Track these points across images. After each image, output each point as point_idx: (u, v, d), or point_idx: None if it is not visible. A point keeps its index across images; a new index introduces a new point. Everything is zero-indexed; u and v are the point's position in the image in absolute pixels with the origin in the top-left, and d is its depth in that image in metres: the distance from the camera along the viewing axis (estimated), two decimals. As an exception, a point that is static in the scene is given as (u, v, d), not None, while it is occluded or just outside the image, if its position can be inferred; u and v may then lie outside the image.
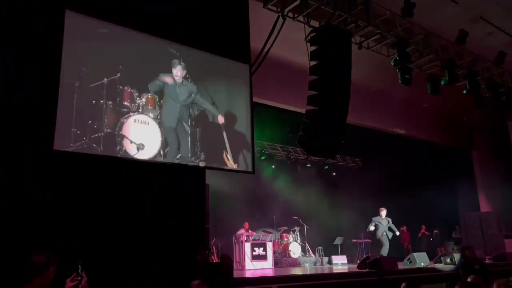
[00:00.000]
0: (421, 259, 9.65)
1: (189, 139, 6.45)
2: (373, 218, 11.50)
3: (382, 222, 11.33)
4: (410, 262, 9.63)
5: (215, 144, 6.82)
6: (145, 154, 5.89)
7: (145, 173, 5.81)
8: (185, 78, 6.65)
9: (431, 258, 10.81)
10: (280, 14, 7.60)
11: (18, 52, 4.96)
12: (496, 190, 15.17)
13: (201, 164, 6.45)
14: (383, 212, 11.60)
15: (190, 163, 6.34)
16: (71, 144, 5.16)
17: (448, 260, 9.80)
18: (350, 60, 7.39)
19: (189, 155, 6.37)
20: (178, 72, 6.57)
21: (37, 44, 5.09)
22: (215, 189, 10.78)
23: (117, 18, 5.85)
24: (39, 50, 5.08)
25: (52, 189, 4.91)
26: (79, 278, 3.23)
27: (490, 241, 13.82)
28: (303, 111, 7.36)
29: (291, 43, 8.07)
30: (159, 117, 6.17)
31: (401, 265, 9.37)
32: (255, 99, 7.83)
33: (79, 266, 3.25)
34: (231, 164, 6.88)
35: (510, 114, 12.78)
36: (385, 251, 10.99)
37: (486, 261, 10.92)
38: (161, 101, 6.30)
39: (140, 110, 5.97)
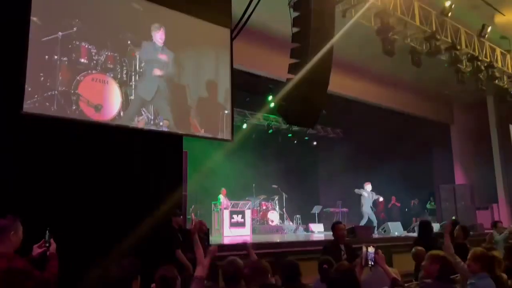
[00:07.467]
0: (395, 229, 9.89)
1: (158, 104, 6.15)
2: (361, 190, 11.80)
3: (367, 196, 11.58)
4: (385, 231, 9.86)
5: (183, 109, 6.51)
6: (103, 116, 5.55)
7: (110, 137, 5.52)
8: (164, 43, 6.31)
9: (406, 228, 11.08)
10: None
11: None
12: (472, 163, 15.52)
13: (165, 128, 6.17)
14: (368, 186, 11.80)
15: (152, 127, 6.04)
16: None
17: (421, 230, 10.05)
18: (333, 29, 7.23)
19: (151, 118, 6.05)
20: (162, 35, 6.23)
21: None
22: (195, 157, 10.67)
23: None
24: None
25: (14, 152, 4.68)
26: (47, 244, 3.16)
27: (463, 213, 14.22)
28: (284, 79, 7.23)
29: (274, 10, 7.84)
30: (118, 76, 5.76)
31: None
32: (236, 66, 7.66)
33: (47, 232, 3.18)
34: (198, 130, 6.61)
35: (490, 89, 12.88)
36: (363, 222, 11.21)
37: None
38: (140, 70, 5.99)
39: (99, 68, 5.57)
